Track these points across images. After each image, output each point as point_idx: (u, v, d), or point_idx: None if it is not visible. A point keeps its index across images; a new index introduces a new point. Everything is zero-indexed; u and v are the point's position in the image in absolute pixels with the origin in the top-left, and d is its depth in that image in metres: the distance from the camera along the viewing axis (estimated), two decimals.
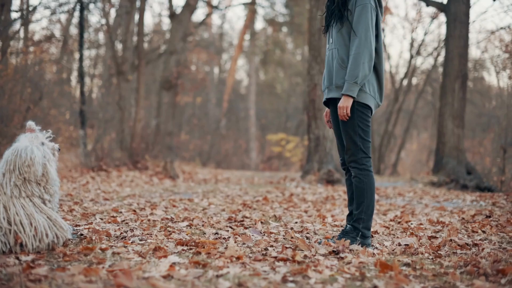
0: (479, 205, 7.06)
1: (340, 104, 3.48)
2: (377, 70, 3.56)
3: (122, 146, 13.29)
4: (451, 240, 3.86)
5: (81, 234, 3.86)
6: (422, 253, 3.44)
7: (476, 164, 16.65)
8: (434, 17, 17.43)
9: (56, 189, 3.46)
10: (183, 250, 3.37)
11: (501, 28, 14.86)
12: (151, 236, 3.95)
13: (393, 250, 3.51)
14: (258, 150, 24.01)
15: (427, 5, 13.12)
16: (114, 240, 3.72)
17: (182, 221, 4.86)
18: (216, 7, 21.74)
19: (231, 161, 21.36)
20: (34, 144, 3.39)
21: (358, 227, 3.51)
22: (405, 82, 19.94)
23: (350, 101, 3.44)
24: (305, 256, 3.17)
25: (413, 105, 20.61)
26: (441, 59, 18.09)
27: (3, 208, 3.20)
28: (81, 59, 14.05)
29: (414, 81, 21.88)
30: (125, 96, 14.33)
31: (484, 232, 4.59)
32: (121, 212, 5.33)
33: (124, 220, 4.80)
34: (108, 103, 16.64)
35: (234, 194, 7.80)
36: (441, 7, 12.86)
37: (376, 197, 7.88)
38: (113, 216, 5.01)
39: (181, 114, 21.23)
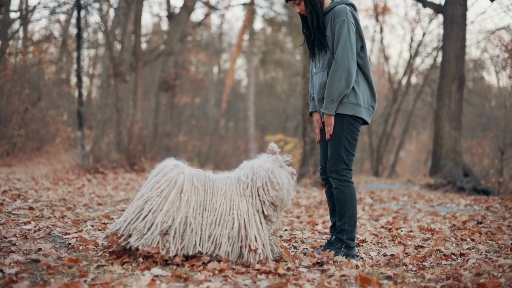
0: (473, 210, 7.06)
1: (325, 122, 3.57)
2: (367, 77, 3.59)
3: (119, 148, 13.30)
4: (437, 250, 3.87)
5: (69, 244, 3.88)
6: (406, 265, 3.44)
7: (475, 165, 16.64)
8: (432, 18, 17.40)
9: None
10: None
11: (501, 28, 14.84)
12: None
13: (377, 262, 3.51)
14: (257, 150, 24.02)
15: (424, 7, 13.11)
16: (101, 250, 3.73)
17: None
18: (214, 8, 21.74)
19: (230, 162, 21.36)
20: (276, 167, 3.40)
21: (342, 238, 3.52)
22: (403, 83, 19.92)
23: (331, 118, 3.52)
24: (288, 269, 3.17)
25: (411, 105, 20.58)
26: (440, 59, 18.07)
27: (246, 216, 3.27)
28: (78, 61, 14.05)
29: (413, 81, 21.87)
30: (122, 98, 14.35)
31: (473, 240, 4.59)
32: (112, 219, 5.35)
33: None
34: (106, 104, 16.67)
35: None
36: (438, 9, 12.85)
37: (370, 201, 7.89)
38: (104, 223, 5.02)
39: (180, 114, 21.24)
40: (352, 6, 3.61)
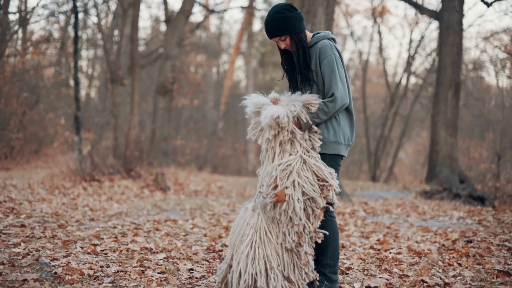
0: (465, 224, 7.07)
1: None
2: (349, 111, 3.59)
3: (116, 153, 13.33)
4: (421, 280, 3.89)
5: (55, 273, 3.91)
6: None
7: (472, 170, 16.64)
8: (430, 22, 17.38)
9: None
10: None
11: (500, 32, 14.81)
12: (125, 274, 3.99)
13: None
14: (255, 152, 24.04)
15: (421, 13, 13.10)
16: (86, 281, 3.75)
17: (161, 251, 4.89)
18: (212, 11, 21.72)
19: (228, 165, 21.38)
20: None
21: (325, 273, 3.53)
22: (402, 85, 19.90)
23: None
24: None
25: (409, 108, 20.56)
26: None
27: None
28: (76, 65, 14.07)
29: (412, 82, 21.84)
30: (120, 102, 14.37)
31: (460, 265, 4.60)
32: (102, 239, 5.37)
33: (103, 250, 4.84)
34: (104, 109, 16.68)
35: (220, 212, 7.83)
36: (434, 15, 12.84)
37: (363, 214, 7.91)
38: (93, 244, 5.05)
39: (179, 116, 21.24)
40: (333, 40, 3.63)
